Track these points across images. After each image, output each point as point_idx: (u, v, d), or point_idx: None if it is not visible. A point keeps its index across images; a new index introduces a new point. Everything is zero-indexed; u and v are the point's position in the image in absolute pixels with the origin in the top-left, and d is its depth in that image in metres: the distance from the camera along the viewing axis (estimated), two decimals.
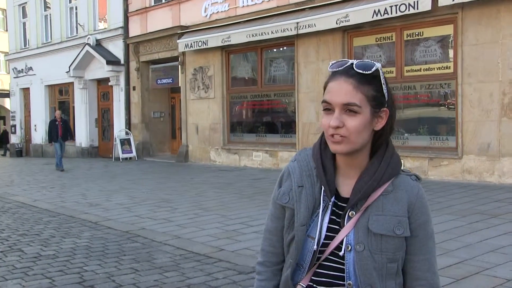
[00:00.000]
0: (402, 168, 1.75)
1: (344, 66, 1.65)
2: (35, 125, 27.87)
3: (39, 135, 27.62)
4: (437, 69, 12.38)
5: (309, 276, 1.71)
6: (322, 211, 1.70)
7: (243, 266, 5.93)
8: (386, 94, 1.67)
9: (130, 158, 21.01)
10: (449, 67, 12.13)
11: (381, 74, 1.65)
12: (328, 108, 1.64)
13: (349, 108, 1.60)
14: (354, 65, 1.63)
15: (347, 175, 1.73)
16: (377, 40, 13.53)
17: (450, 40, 12.18)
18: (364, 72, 1.62)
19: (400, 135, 12.94)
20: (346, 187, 1.72)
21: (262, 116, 17.21)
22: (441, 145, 12.26)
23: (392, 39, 13.18)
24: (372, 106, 1.63)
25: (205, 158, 18.18)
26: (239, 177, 14.40)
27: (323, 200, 1.71)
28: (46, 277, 5.91)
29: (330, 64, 1.68)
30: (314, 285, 1.70)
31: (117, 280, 5.72)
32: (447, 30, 12.22)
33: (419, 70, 12.70)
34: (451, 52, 12.18)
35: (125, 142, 21.18)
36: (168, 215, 9.30)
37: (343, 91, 1.61)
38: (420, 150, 12.46)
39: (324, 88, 1.68)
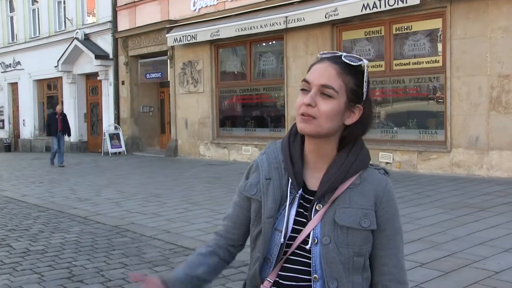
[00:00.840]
0: (370, 162, 1.74)
1: (333, 55, 1.68)
2: (23, 120, 27.71)
3: (27, 130, 27.47)
4: (426, 63, 12.41)
5: (277, 270, 1.69)
6: (289, 203, 1.69)
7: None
8: (365, 93, 1.68)
9: (119, 152, 20.92)
10: (438, 60, 12.17)
11: (365, 71, 1.67)
12: (305, 89, 1.66)
13: (325, 92, 1.62)
14: (342, 56, 1.66)
15: (316, 168, 1.72)
16: (366, 34, 13.55)
17: (438, 34, 12.22)
18: (350, 63, 1.64)
19: (389, 128, 12.98)
20: (314, 180, 1.71)
21: (252, 110, 17.20)
22: (430, 138, 12.31)
23: (381, 33, 13.20)
24: (349, 98, 1.65)
25: (195, 152, 18.16)
26: (228, 171, 14.39)
27: (290, 192, 1.70)
28: (35, 272, 5.88)
29: (321, 52, 1.72)
30: (281, 281, 1.69)
31: (106, 275, 5.71)
32: (435, 24, 12.25)
33: (408, 64, 12.73)
34: (439, 46, 12.22)
35: (114, 137, 21.09)
36: (158, 210, 9.28)
37: (326, 73, 1.64)
38: (409, 143, 12.50)
39: (309, 70, 1.70)
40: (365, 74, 1.66)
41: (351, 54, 1.67)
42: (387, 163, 12.55)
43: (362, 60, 1.66)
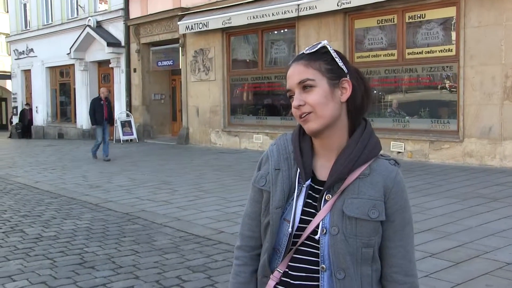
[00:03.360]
0: (381, 152, 1.73)
1: (297, 55, 1.73)
2: (36, 107, 27.85)
3: (40, 117, 27.62)
4: (439, 51, 12.31)
5: (286, 261, 1.70)
6: (297, 194, 1.70)
7: None
8: (343, 67, 1.69)
9: (131, 140, 21.01)
10: (451, 49, 12.06)
11: (329, 49, 1.69)
12: (291, 95, 1.70)
13: (305, 85, 1.65)
14: (304, 51, 1.71)
15: (326, 158, 1.72)
16: (378, 22, 13.44)
17: (452, 23, 12.10)
18: (311, 51, 1.68)
19: (401, 118, 12.90)
20: (324, 170, 1.71)
21: (263, 99, 17.17)
22: (442, 128, 12.23)
23: (394, 22, 13.09)
24: (329, 78, 1.66)
25: (206, 140, 18.18)
26: (239, 159, 14.40)
27: (298, 183, 1.70)
28: (47, 258, 5.93)
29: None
30: (290, 271, 1.69)
31: (117, 261, 5.75)
32: (449, 12, 12.13)
33: (421, 52, 12.62)
34: (453, 35, 12.10)
35: (125, 124, 21.17)
36: (168, 197, 9.31)
37: (296, 72, 1.68)
38: (421, 133, 12.43)
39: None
40: (331, 51, 1.68)
41: (310, 45, 1.72)
42: (399, 152, 12.50)
43: (321, 42, 1.70)
